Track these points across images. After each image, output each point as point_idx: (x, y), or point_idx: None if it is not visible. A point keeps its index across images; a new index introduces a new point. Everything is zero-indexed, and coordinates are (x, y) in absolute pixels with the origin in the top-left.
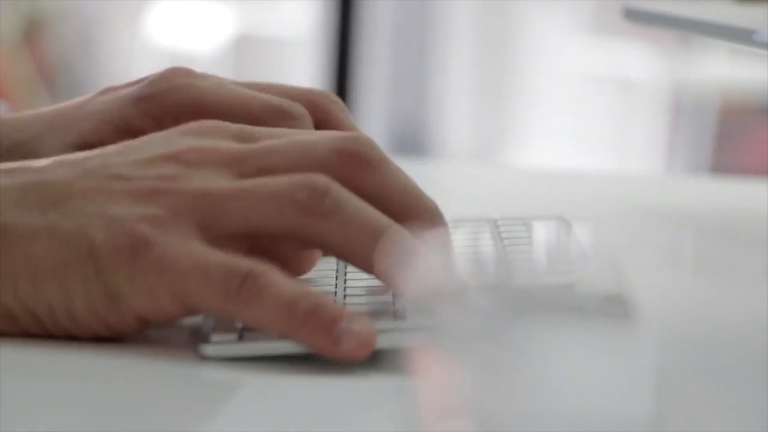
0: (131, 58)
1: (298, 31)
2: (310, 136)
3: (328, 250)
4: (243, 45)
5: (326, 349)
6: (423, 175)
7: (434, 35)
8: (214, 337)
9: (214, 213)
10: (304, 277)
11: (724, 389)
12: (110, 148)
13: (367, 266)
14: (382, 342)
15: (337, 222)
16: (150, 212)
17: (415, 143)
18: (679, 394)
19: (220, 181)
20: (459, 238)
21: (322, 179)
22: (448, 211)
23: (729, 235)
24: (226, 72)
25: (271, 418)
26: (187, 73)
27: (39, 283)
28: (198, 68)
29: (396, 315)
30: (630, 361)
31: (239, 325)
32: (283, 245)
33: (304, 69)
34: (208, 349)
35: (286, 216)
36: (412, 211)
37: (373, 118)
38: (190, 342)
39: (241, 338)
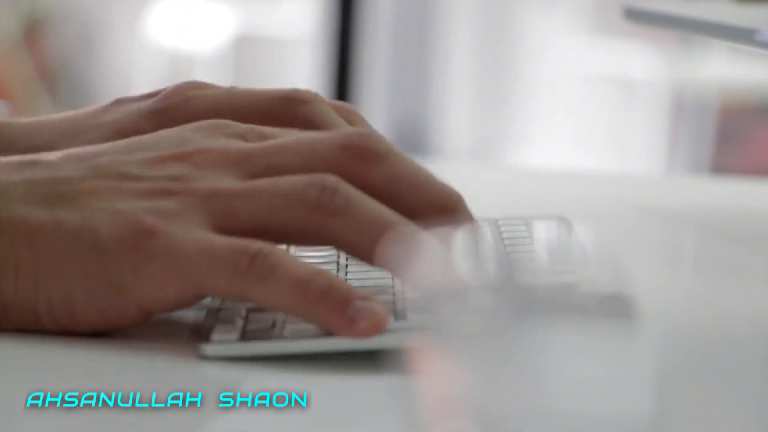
0: (131, 58)
1: (298, 31)
2: (316, 135)
3: (338, 247)
4: (243, 45)
5: (341, 328)
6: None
7: (434, 35)
8: (215, 337)
9: (225, 211)
10: None
11: (724, 389)
12: (120, 144)
13: (377, 263)
14: (382, 342)
15: (346, 219)
16: (158, 206)
17: (415, 143)
18: (679, 394)
19: (229, 181)
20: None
21: (331, 178)
22: None
23: (729, 235)
24: (226, 72)
25: (271, 418)
26: (199, 85)
27: (39, 278)
28: (198, 68)
29: (396, 315)
30: (630, 360)
31: (240, 324)
32: (292, 244)
33: (304, 69)
34: (208, 349)
35: (297, 214)
36: (426, 197)
37: (373, 118)
38: (190, 342)
39: (241, 338)
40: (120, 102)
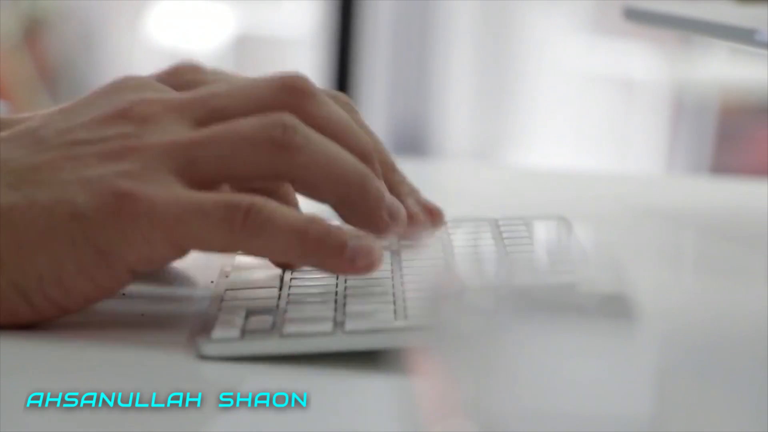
0: (132, 57)
1: (299, 30)
2: (252, 78)
3: (300, 185)
4: (243, 45)
5: (342, 268)
6: (424, 174)
7: (435, 35)
8: (215, 337)
9: (188, 161)
10: (302, 276)
11: (724, 389)
12: (51, 116)
13: (333, 201)
14: (382, 342)
15: (308, 155)
16: (125, 168)
17: (415, 143)
18: (679, 394)
19: (183, 131)
20: (460, 238)
21: (288, 117)
22: (449, 210)
23: (729, 235)
24: None
25: (271, 418)
26: (193, 68)
27: (25, 255)
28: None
29: (396, 314)
30: (630, 360)
31: (240, 324)
32: (254, 184)
33: (304, 69)
34: (208, 349)
35: (262, 154)
36: (351, 140)
37: (373, 118)
38: (190, 342)
39: (241, 338)
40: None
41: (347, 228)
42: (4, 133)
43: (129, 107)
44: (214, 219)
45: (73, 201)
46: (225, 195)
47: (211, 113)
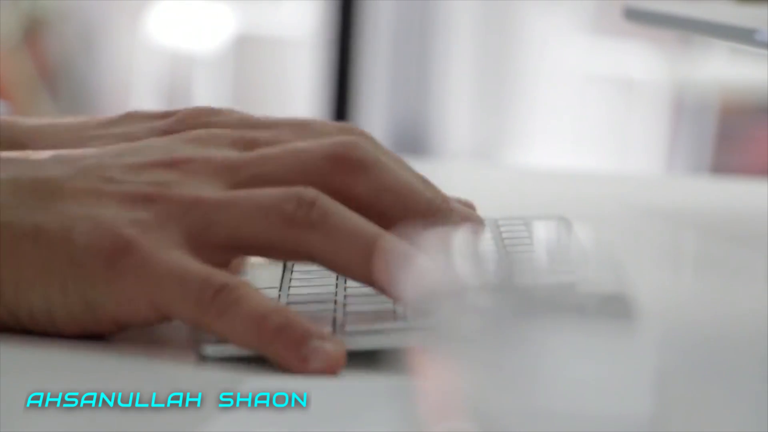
0: (131, 58)
1: (299, 30)
2: (304, 143)
3: (316, 262)
4: (243, 45)
5: (294, 365)
6: (424, 174)
7: (435, 35)
8: (215, 337)
9: (203, 222)
10: (302, 277)
11: (724, 389)
12: (109, 149)
13: (355, 276)
14: (382, 342)
15: (324, 233)
16: (138, 216)
17: (415, 143)
18: (679, 394)
19: (210, 191)
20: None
21: (310, 191)
22: None
23: (729, 235)
24: (226, 72)
25: (271, 418)
26: (215, 112)
27: (21, 289)
28: (198, 68)
29: (396, 315)
30: (630, 361)
31: None
32: (271, 257)
33: (304, 69)
34: (208, 349)
35: (273, 227)
36: (411, 206)
37: (373, 118)
38: (190, 342)
39: None
40: (131, 117)
41: (319, 328)
42: (59, 152)
43: (175, 161)
44: (186, 289)
45: (75, 241)
46: (209, 269)
47: (252, 178)
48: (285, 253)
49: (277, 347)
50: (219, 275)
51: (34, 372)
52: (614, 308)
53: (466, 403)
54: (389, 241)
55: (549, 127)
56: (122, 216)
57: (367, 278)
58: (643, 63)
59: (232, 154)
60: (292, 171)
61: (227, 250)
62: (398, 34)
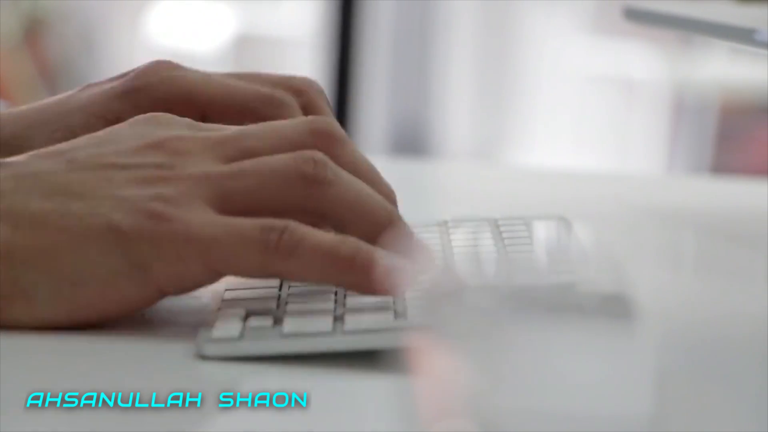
0: (131, 58)
1: (299, 30)
2: (281, 122)
3: (330, 219)
4: (243, 45)
5: (371, 288)
6: (424, 174)
7: (435, 35)
8: (214, 336)
9: (221, 192)
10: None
11: (724, 389)
12: (80, 141)
13: (359, 234)
14: (382, 342)
15: (339, 190)
16: (159, 192)
17: (415, 143)
18: (679, 394)
19: (213, 166)
20: (459, 238)
21: (319, 154)
22: (448, 210)
23: (729, 235)
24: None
25: (271, 418)
26: (172, 65)
27: (57, 257)
28: (199, 68)
29: (396, 314)
30: (630, 360)
31: (240, 324)
32: (289, 218)
33: (304, 69)
34: (208, 348)
35: (295, 188)
36: (375, 187)
37: (373, 118)
38: (190, 342)
39: (241, 338)
40: (89, 87)
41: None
42: (32, 152)
43: (163, 140)
44: (249, 240)
45: (109, 216)
46: (260, 219)
47: (242, 152)
48: (300, 212)
49: (352, 275)
50: (274, 220)
51: (34, 372)
52: (614, 308)
53: (466, 402)
54: (399, 218)
55: (549, 127)
56: (144, 193)
57: (381, 225)
58: (643, 63)
59: (215, 132)
60: (278, 144)
61: (246, 216)
62: (398, 34)
